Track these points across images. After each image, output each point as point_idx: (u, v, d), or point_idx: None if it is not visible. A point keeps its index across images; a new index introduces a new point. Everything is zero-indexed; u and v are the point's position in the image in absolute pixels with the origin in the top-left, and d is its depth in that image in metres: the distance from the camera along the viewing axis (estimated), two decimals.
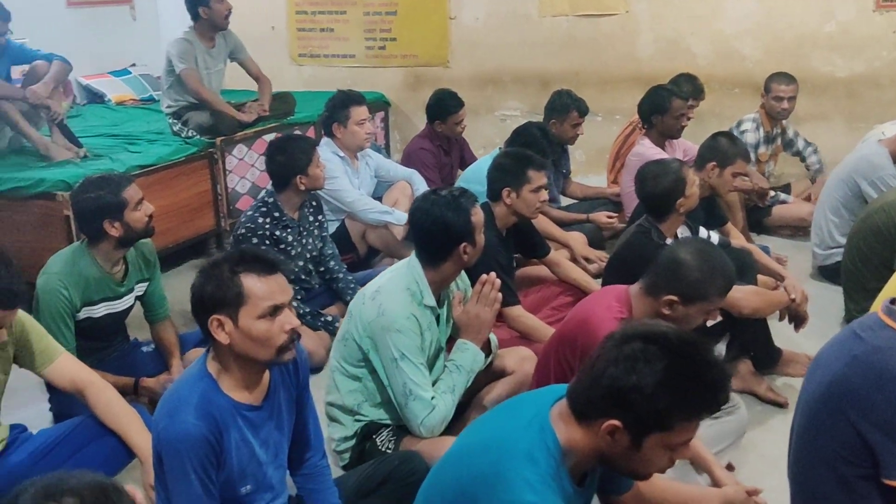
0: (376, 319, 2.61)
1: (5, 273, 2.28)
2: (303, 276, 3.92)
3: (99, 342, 3.28)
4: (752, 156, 5.19)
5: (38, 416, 3.12)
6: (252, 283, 2.01)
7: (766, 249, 4.28)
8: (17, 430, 2.69)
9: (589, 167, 6.47)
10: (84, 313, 3.15)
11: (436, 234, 2.65)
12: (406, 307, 2.61)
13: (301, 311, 3.76)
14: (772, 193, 5.25)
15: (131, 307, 3.38)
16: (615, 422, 1.65)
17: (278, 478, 2.26)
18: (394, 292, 2.64)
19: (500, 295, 2.74)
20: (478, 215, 2.73)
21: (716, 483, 2.45)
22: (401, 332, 2.58)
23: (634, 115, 5.20)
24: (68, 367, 2.65)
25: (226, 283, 2.02)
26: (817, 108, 5.89)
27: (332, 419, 2.82)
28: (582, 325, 2.43)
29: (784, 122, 5.47)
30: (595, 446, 1.71)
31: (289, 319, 2.03)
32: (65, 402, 3.02)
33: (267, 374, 2.17)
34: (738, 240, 4.00)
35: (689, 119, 4.87)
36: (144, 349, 3.48)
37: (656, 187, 3.29)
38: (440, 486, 1.83)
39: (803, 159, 5.67)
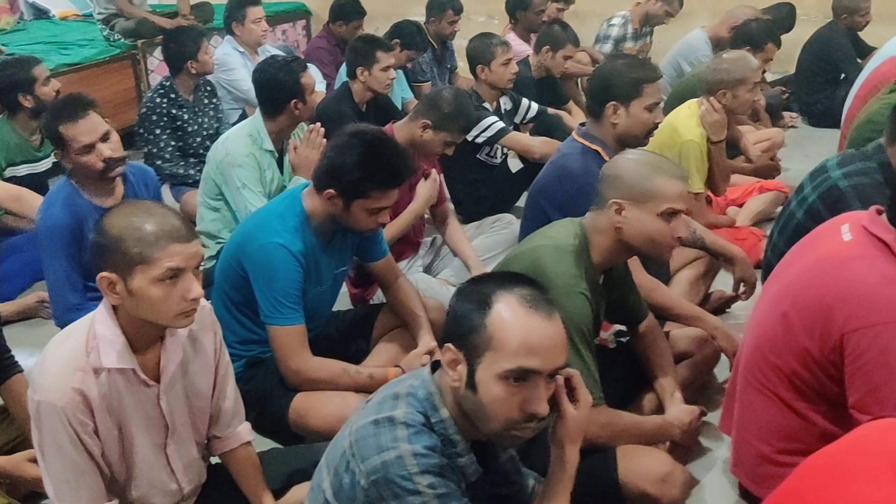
0: (224, 159, 3.36)
1: None
2: (201, 151, 4.65)
3: None
4: (614, 48, 5.89)
5: None
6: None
7: None
8: None
9: None
10: (9, 172, 3.92)
11: (270, 90, 3.37)
12: (246, 148, 3.35)
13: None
14: None
15: (49, 170, 4.13)
16: (331, 190, 2.42)
17: None
18: (238, 137, 3.39)
19: (324, 140, 3.48)
20: (307, 78, 3.44)
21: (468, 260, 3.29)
22: (241, 166, 3.32)
23: None
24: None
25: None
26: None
27: (201, 245, 3.59)
28: None
29: None
30: (326, 210, 2.48)
31: (112, 147, 2.76)
32: None
33: (120, 188, 2.93)
34: (576, 117, 4.73)
35: (549, 17, 5.54)
36: None
37: (471, 50, 4.02)
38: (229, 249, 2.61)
39: None
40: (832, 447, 1.46)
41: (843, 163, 2.69)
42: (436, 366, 1.56)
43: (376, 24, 6.18)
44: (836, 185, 2.61)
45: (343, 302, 3.27)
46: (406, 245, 3.48)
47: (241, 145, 3.35)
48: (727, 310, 3.30)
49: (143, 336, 1.81)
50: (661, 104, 2.90)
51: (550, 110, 4.44)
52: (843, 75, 5.64)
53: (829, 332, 1.91)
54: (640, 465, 2.09)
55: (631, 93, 2.73)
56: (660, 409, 2.42)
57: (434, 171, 3.43)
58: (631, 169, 2.18)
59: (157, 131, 4.50)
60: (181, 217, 1.74)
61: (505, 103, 4.25)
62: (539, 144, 3.90)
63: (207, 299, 2.32)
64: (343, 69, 4.72)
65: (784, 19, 5.69)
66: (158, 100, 4.43)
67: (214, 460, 2.13)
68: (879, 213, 2.00)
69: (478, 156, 4.10)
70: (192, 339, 1.93)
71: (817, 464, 1.45)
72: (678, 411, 2.34)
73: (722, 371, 2.80)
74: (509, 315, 1.44)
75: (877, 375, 1.86)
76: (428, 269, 3.49)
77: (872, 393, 1.88)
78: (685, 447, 2.44)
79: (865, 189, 2.53)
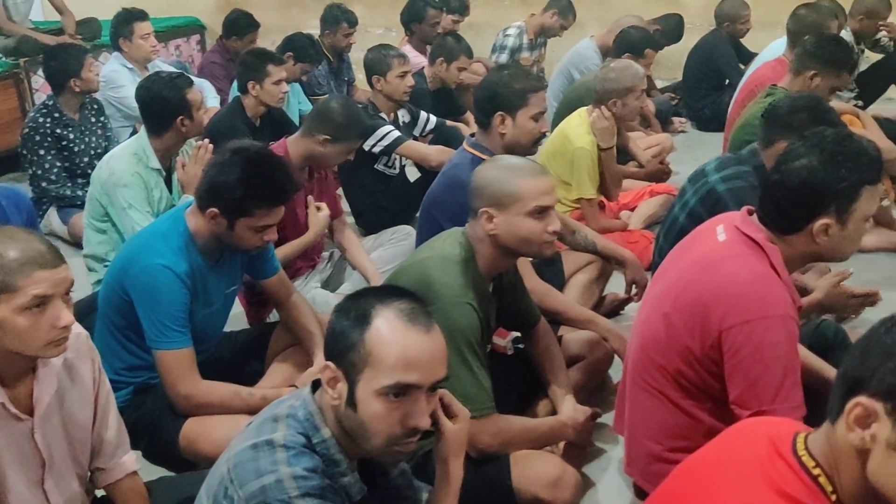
0: (108, 178, 3.25)
1: None
2: (89, 171, 4.48)
3: None
4: (510, 58, 5.98)
5: None
6: None
7: None
8: None
9: None
10: None
11: (155, 107, 3.28)
12: (131, 167, 3.25)
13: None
14: None
15: None
16: (214, 209, 2.35)
17: None
18: (122, 157, 3.29)
19: (211, 156, 3.41)
20: (193, 94, 3.36)
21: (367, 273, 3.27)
22: (127, 186, 3.22)
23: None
24: None
25: None
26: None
27: (89, 269, 3.46)
28: None
29: None
30: (211, 229, 2.41)
31: None
32: None
33: None
34: (474, 128, 4.77)
35: (444, 28, 5.57)
36: None
37: (368, 62, 4.02)
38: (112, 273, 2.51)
39: None
40: (707, 448, 1.49)
41: (721, 167, 2.79)
42: (317, 385, 1.53)
43: (273, 38, 6.10)
44: (715, 188, 2.71)
45: (240, 321, 3.21)
46: (302, 261, 3.44)
47: (125, 164, 3.25)
48: (621, 312, 3.38)
49: (12, 368, 1.72)
50: (548, 113, 2.96)
51: (449, 122, 4.47)
52: (727, 81, 5.86)
53: (708, 330, 1.97)
54: (532, 471, 2.11)
55: (517, 103, 2.77)
56: (554, 414, 2.44)
57: (324, 204, 3.37)
58: (491, 176, 2.20)
59: (42, 152, 4.33)
60: (47, 242, 1.67)
61: (403, 116, 4.25)
62: (435, 153, 3.92)
63: (90, 326, 2.24)
64: (235, 84, 4.65)
65: (673, 29, 5.89)
66: (42, 119, 4.27)
67: (100, 493, 2.05)
68: (751, 213, 2.07)
69: (376, 166, 4.09)
70: (68, 369, 1.85)
71: (693, 465, 1.48)
72: (570, 411, 2.37)
73: (616, 372, 2.85)
74: (387, 330, 1.43)
75: (753, 370, 1.92)
76: (326, 285, 3.45)
77: (751, 388, 1.94)
78: (580, 448, 2.47)
79: (741, 192, 2.63)
